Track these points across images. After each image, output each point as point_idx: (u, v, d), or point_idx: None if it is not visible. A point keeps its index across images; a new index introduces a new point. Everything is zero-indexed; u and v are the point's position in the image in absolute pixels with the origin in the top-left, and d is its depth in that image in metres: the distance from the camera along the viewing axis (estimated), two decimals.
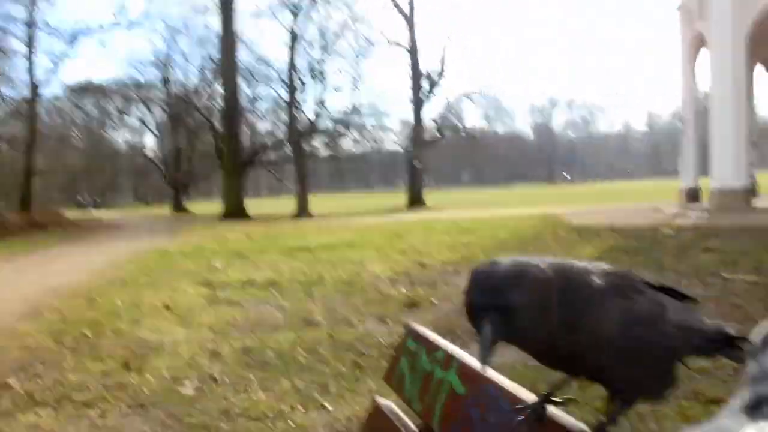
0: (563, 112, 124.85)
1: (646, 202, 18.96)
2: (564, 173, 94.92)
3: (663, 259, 6.44)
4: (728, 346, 0.83)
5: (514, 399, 0.81)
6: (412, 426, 1.05)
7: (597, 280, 0.77)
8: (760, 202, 14.17)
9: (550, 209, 16.96)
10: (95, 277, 7.71)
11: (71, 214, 27.50)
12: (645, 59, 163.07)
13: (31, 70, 30.93)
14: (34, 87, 30.78)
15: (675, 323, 0.79)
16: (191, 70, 35.08)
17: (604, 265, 0.81)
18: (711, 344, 0.82)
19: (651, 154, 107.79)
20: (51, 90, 57.32)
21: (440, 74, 27.06)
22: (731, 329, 0.81)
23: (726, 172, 13.35)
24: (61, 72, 79.48)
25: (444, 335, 1.14)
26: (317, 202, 31.79)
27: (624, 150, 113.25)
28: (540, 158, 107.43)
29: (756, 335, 0.56)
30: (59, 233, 17.69)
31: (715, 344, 0.83)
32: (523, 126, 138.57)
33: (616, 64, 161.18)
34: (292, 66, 25.40)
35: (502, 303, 0.63)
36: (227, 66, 24.02)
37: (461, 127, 39.20)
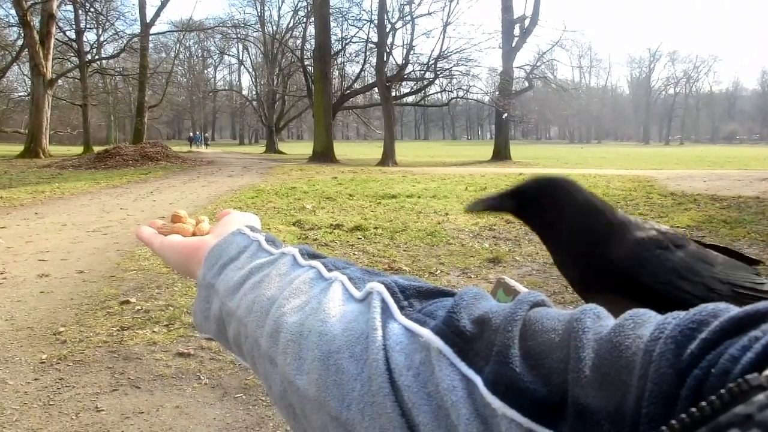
0: (664, 65, 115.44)
1: (754, 170, 17.46)
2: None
3: None
4: None
5: None
6: None
7: (637, 230, 0.83)
8: None
9: (645, 171, 16.09)
10: (198, 210, 8.33)
11: (175, 147, 29.29)
12: (762, 8, 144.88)
13: (141, 6, 32.56)
14: (144, 23, 32.43)
15: (720, 279, 0.83)
16: (285, 9, 35.44)
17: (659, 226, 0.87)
18: None
19: (762, 117, 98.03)
20: (158, 27, 59.94)
21: (534, 19, 25.55)
22: None
23: None
24: (167, 9, 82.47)
25: None
26: (403, 149, 31.83)
27: (731, 111, 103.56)
28: (635, 116, 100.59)
29: None
30: (166, 166, 19.04)
31: None
32: (619, 80, 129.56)
33: (727, 14, 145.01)
34: (382, 7, 24.98)
35: (519, 189, 0.82)
36: (320, 5, 24.00)
37: (552, 78, 37.28)
